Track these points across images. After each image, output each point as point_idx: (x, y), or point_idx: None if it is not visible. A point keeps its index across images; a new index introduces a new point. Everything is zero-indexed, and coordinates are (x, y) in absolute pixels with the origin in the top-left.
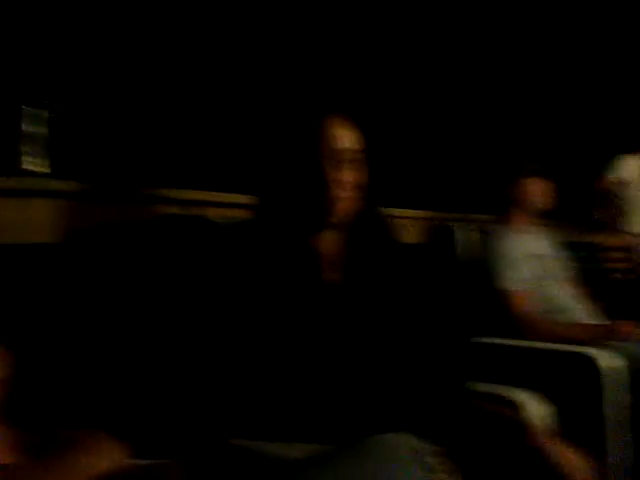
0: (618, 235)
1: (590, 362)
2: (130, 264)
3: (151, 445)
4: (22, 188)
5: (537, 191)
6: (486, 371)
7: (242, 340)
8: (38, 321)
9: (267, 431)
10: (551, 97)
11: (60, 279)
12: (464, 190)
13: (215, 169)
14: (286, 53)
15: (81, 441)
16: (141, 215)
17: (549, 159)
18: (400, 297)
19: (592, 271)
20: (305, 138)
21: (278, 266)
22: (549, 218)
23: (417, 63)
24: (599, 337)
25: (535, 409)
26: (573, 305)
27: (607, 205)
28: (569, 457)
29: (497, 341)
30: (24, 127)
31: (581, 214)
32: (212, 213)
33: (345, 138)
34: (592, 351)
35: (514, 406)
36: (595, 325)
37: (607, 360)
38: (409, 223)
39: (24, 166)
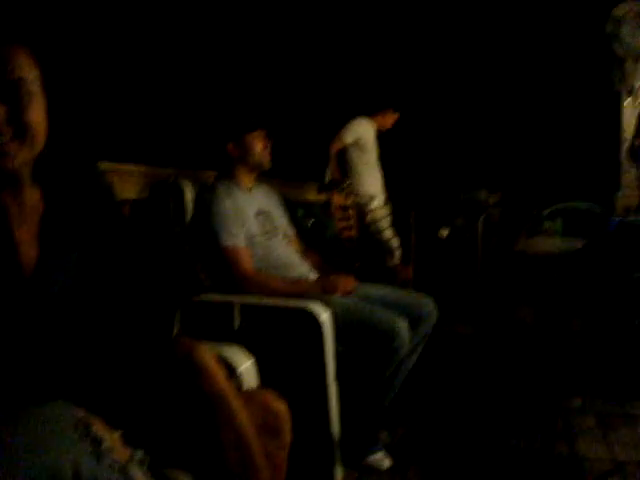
0: (349, 195)
1: (311, 316)
2: None
3: None
4: None
5: (259, 147)
6: (208, 328)
7: None
8: None
9: None
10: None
11: None
12: (191, 145)
13: None
14: None
15: None
16: None
17: (277, 117)
18: (106, 257)
19: (316, 228)
20: None
21: None
22: (275, 175)
23: None
24: (317, 291)
25: (242, 362)
26: (295, 261)
27: (339, 165)
28: (270, 405)
29: (219, 298)
30: None
31: (314, 173)
32: None
33: None
34: (313, 306)
35: (225, 363)
36: (315, 280)
37: (326, 314)
38: (130, 178)
39: None
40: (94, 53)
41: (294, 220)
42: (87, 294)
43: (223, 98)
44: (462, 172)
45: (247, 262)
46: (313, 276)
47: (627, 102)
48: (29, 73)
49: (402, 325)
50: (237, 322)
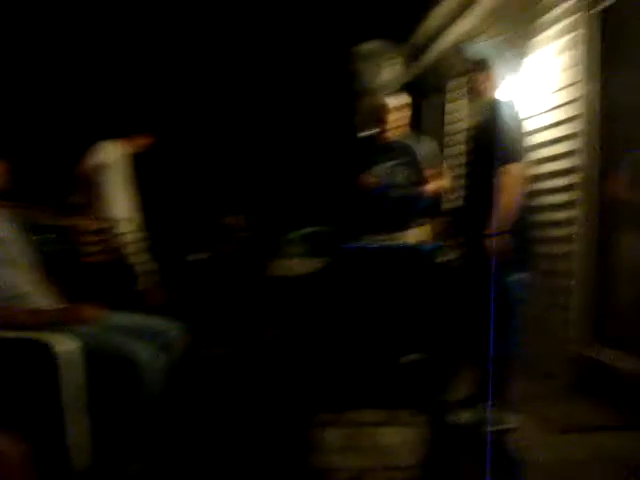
0: (95, 219)
1: (45, 348)
2: None
3: None
4: None
5: None
6: None
7: None
8: None
9: None
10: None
11: None
12: None
13: None
14: None
15: None
16: None
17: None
18: None
19: (62, 254)
20: None
21: None
22: (15, 200)
23: None
24: (57, 321)
25: None
26: (32, 290)
27: (86, 189)
28: None
29: None
30: None
31: (60, 198)
32: None
33: None
34: (47, 337)
35: None
36: (54, 310)
37: (63, 344)
38: None
39: None
40: None
41: (38, 246)
42: None
43: None
44: (213, 198)
45: None
46: (55, 306)
47: (366, 133)
48: None
49: (144, 352)
50: None
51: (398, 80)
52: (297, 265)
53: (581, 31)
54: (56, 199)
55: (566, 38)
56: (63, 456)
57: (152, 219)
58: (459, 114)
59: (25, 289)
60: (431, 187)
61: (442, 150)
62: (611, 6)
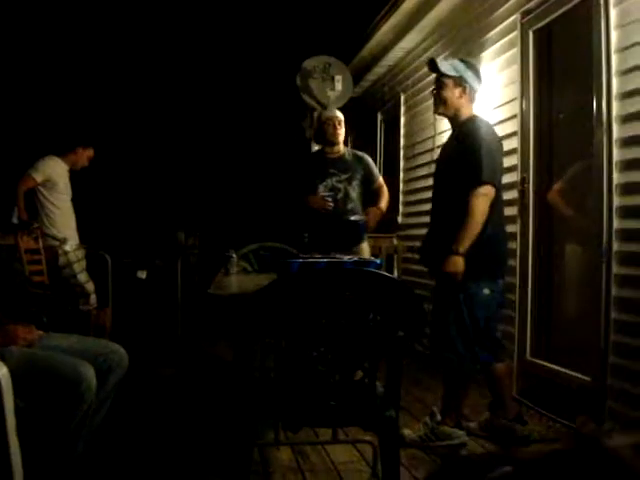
0: (38, 238)
1: None
2: None
3: None
4: None
5: None
6: None
7: None
8: None
9: None
10: None
11: None
12: None
13: None
14: None
15: None
16: None
17: None
18: None
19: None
20: None
21: None
22: None
23: None
24: None
25: None
26: None
27: (29, 206)
28: None
29: None
30: None
31: (1, 215)
32: None
33: None
34: None
35: None
36: None
37: (3, 368)
38: None
39: None
40: None
41: None
42: None
43: None
44: (159, 214)
45: None
46: None
47: (315, 148)
48: None
49: (87, 370)
50: None
51: (345, 95)
52: (242, 281)
53: (517, 49)
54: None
55: (506, 55)
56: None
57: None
58: (417, 128)
59: None
60: (383, 200)
61: (397, 164)
62: (546, 25)
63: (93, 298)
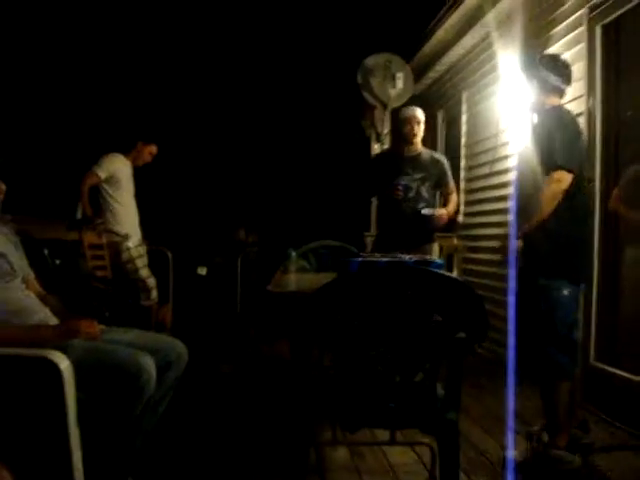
0: (102, 233)
1: (51, 365)
2: None
3: None
4: None
5: None
6: None
7: None
8: None
9: None
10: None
11: None
12: None
13: None
14: None
15: None
16: None
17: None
18: None
19: (64, 268)
20: None
21: None
22: (15, 214)
23: None
24: (59, 337)
25: None
26: (34, 306)
27: (93, 202)
28: None
29: None
30: None
31: (64, 210)
32: None
33: None
34: (52, 353)
35: None
36: (51, 326)
37: (66, 362)
38: None
39: None
40: None
41: (38, 260)
42: None
43: None
44: (220, 211)
45: None
46: (54, 321)
47: (375, 147)
48: None
49: (147, 362)
50: None
51: (406, 93)
52: (300, 280)
53: (584, 45)
54: (63, 212)
55: (572, 51)
56: (67, 473)
57: (160, 232)
58: (479, 126)
59: (28, 304)
60: (451, 205)
61: (458, 163)
62: (614, 20)
63: (154, 293)
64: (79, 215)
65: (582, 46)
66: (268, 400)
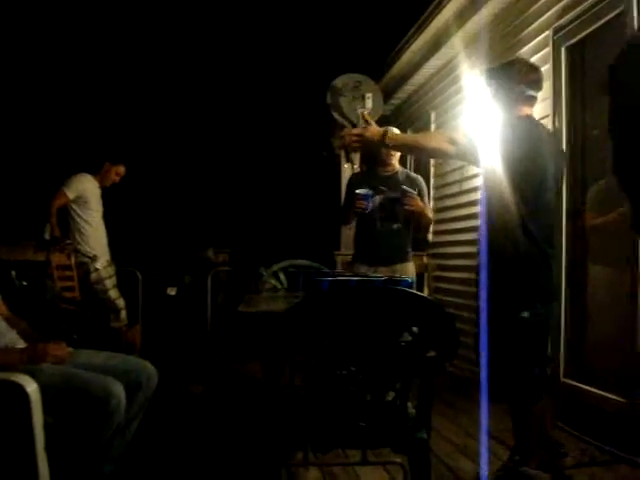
0: (70, 254)
1: (18, 388)
2: None
3: None
4: None
5: None
6: None
7: None
8: None
9: None
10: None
11: None
12: None
13: None
14: None
15: None
16: None
17: None
18: None
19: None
20: None
21: None
22: None
23: None
24: (27, 360)
25: None
26: (0, 328)
27: (62, 223)
28: None
29: None
30: None
31: (32, 231)
32: None
33: None
34: (18, 377)
35: None
36: (23, 349)
37: (33, 384)
38: None
39: None
40: None
41: (5, 282)
42: None
43: None
44: (189, 231)
45: None
46: (21, 344)
47: (345, 166)
48: None
49: (117, 387)
50: None
51: (376, 113)
52: (271, 299)
53: (549, 65)
54: (30, 233)
55: None
56: None
57: (129, 252)
58: None
59: None
60: (427, 210)
61: (427, 181)
62: (579, 41)
63: (124, 314)
64: (47, 236)
65: (548, 67)
66: (239, 420)
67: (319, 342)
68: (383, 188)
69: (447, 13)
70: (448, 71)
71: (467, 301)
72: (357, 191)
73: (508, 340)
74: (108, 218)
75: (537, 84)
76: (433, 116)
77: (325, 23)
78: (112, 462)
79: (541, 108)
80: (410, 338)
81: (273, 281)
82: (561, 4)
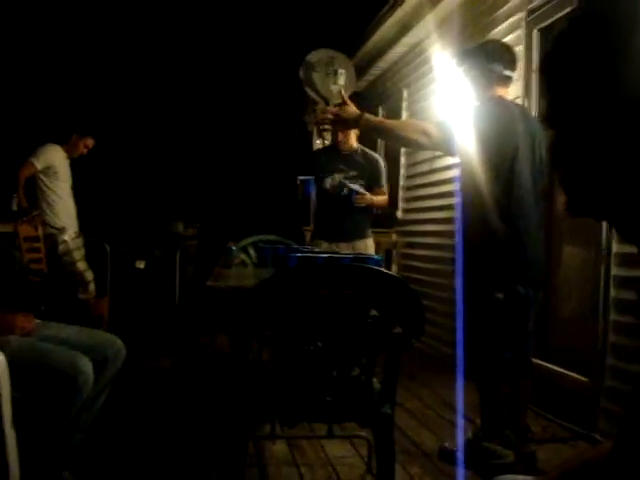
0: (38, 225)
1: None
2: None
3: None
4: None
5: None
6: None
7: None
8: None
9: None
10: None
11: None
12: None
13: None
14: None
15: None
16: None
17: None
18: None
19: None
20: None
21: None
22: None
23: None
24: None
25: None
26: None
27: (29, 194)
28: None
29: None
30: None
31: (0, 203)
32: None
33: None
34: None
35: None
36: None
37: (0, 356)
38: None
39: None
40: None
41: None
42: None
43: None
44: (159, 204)
45: None
46: None
47: (317, 142)
48: None
49: (85, 363)
50: None
51: (348, 89)
52: (240, 274)
53: (522, 47)
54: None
55: None
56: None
57: (98, 224)
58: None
59: None
60: (379, 197)
61: (398, 160)
62: (551, 24)
63: (91, 287)
64: (14, 207)
65: (520, 48)
66: (207, 394)
67: (287, 318)
68: (343, 167)
69: None
70: (421, 50)
71: (435, 279)
72: (300, 178)
73: (479, 320)
74: (77, 190)
75: (512, 64)
76: (405, 94)
77: None
78: (81, 432)
79: (512, 90)
80: (377, 314)
81: (242, 256)
82: None
